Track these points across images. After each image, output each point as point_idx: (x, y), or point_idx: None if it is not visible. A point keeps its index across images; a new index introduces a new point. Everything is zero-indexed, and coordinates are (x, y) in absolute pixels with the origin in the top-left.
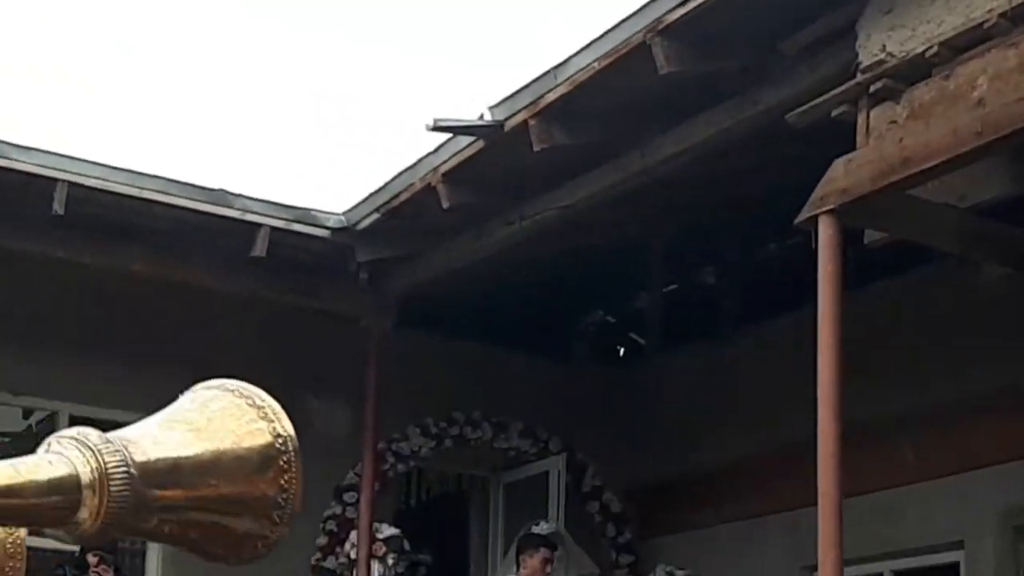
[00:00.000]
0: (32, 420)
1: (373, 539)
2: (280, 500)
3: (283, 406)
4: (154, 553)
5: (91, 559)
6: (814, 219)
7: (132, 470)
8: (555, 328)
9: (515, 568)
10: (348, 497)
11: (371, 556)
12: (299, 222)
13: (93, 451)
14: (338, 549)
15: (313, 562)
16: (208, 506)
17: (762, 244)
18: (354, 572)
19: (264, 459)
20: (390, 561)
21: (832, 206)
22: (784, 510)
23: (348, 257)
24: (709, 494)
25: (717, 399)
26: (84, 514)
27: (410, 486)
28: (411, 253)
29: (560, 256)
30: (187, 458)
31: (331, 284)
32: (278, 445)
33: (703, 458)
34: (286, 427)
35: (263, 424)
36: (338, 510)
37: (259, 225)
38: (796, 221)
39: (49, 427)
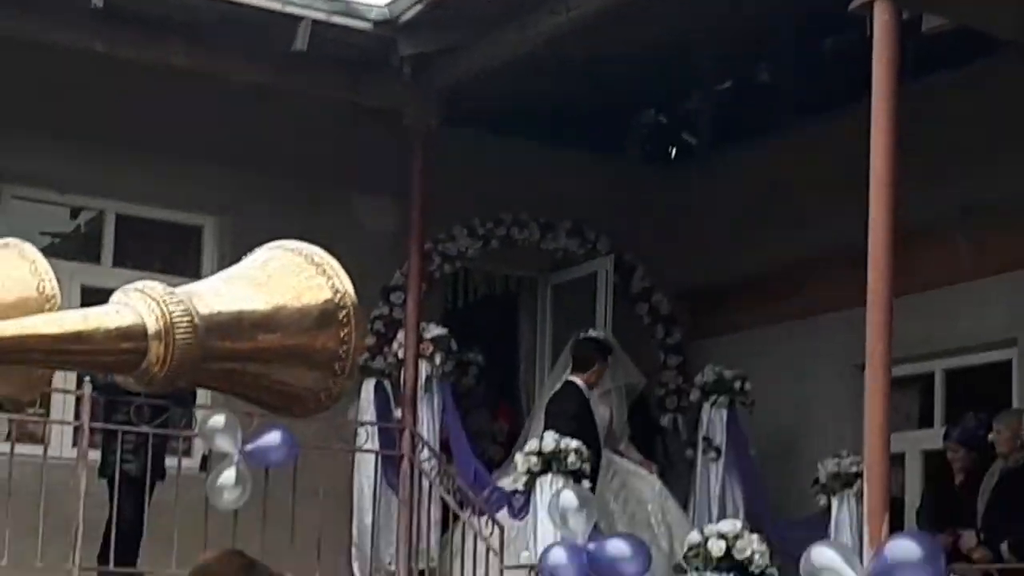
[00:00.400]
0: (80, 220)
1: (420, 339)
2: (341, 353)
3: (328, 204)
4: None
5: None
6: (869, 5)
7: (196, 320)
8: (606, 127)
9: (571, 370)
10: (395, 297)
11: (419, 355)
12: (341, 14)
13: (158, 302)
14: (386, 349)
15: (361, 362)
16: (270, 358)
17: (818, 38)
18: (401, 371)
19: (324, 314)
20: (437, 360)
21: None
22: (838, 309)
23: (391, 51)
24: (761, 294)
25: (771, 197)
26: (151, 361)
27: (457, 287)
28: (455, 46)
29: (612, 53)
30: (249, 312)
31: (374, 79)
32: (337, 300)
33: (755, 258)
34: (345, 283)
35: (322, 280)
36: (385, 310)
37: (300, 18)
38: (851, 7)
39: (97, 228)
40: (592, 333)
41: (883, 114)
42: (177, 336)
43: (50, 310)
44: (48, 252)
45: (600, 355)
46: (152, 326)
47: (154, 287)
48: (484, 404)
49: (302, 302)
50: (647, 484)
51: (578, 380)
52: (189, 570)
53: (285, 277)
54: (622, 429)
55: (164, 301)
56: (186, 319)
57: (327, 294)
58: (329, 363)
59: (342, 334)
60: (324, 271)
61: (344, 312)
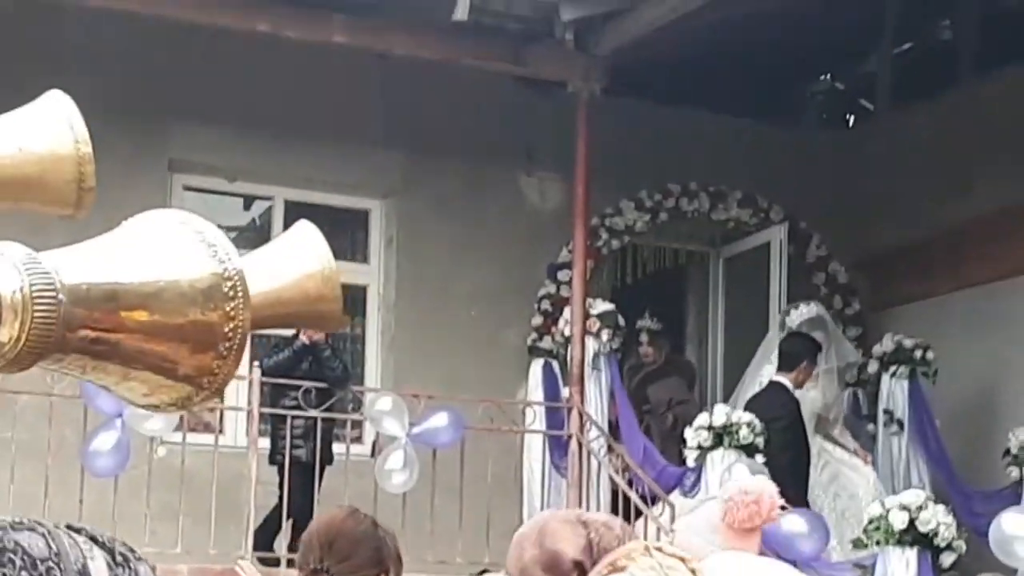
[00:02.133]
0: (253, 213)
1: (587, 316)
2: (227, 330)
3: (493, 182)
4: (373, 339)
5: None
6: None
7: (60, 294)
8: (778, 94)
9: (783, 367)
10: (562, 275)
11: (585, 333)
12: None
13: (18, 270)
14: (553, 328)
15: (529, 343)
16: (147, 336)
17: None
18: (568, 350)
19: (208, 287)
20: (604, 337)
21: None
22: None
23: (553, 16)
24: (943, 260)
25: (952, 157)
26: (3, 337)
27: (625, 263)
28: (619, 9)
29: (784, 17)
30: (124, 284)
31: (536, 47)
32: (222, 272)
33: (935, 222)
34: (232, 253)
35: (205, 250)
36: (552, 289)
37: None
38: None
39: (269, 218)
40: (804, 317)
41: None
42: (36, 310)
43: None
44: None
45: (810, 353)
46: (7, 296)
47: (14, 250)
48: (668, 375)
49: (183, 273)
50: (861, 477)
51: (785, 380)
52: (313, 525)
53: (165, 247)
54: (836, 414)
55: (25, 268)
56: (49, 292)
57: (212, 266)
58: (214, 342)
59: (228, 309)
60: (207, 240)
61: (230, 285)
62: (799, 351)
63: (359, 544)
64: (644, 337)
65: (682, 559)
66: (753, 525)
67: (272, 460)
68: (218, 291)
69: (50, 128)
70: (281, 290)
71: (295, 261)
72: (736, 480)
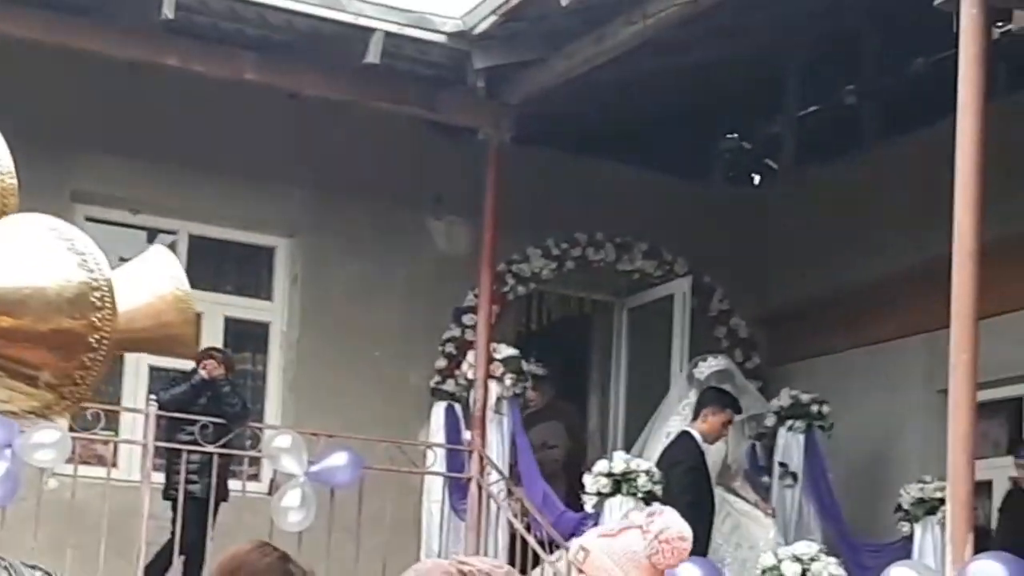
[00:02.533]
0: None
1: (491, 360)
2: (92, 340)
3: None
4: (275, 376)
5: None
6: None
7: None
8: (686, 149)
9: (691, 417)
10: (467, 319)
11: (488, 376)
12: (414, 26)
13: None
14: (456, 371)
15: (432, 385)
16: (11, 339)
17: (907, 59)
18: (471, 393)
19: (77, 297)
20: (508, 381)
21: None
22: (922, 331)
23: (465, 64)
24: (842, 318)
25: (852, 217)
26: None
27: (531, 309)
28: (531, 59)
29: (694, 75)
30: None
31: (448, 93)
32: (92, 282)
33: (835, 280)
34: (100, 261)
35: (73, 257)
36: (457, 332)
37: (372, 30)
38: (936, 2)
39: (173, 253)
40: (712, 369)
41: (969, 117)
42: None
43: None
44: None
45: (713, 402)
46: None
47: None
48: (548, 419)
49: (53, 282)
50: (762, 528)
51: (692, 430)
52: (217, 562)
53: (33, 253)
54: (738, 466)
55: None
56: None
57: (80, 275)
58: (78, 351)
59: (94, 319)
60: (76, 248)
61: (99, 296)
62: (705, 400)
63: None
64: (528, 381)
65: None
66: (673, 568)
67: (166, 495)
68: (85, 300)
69: None
70: (132, 312)
71: (148, 285)
72: (668, 517)
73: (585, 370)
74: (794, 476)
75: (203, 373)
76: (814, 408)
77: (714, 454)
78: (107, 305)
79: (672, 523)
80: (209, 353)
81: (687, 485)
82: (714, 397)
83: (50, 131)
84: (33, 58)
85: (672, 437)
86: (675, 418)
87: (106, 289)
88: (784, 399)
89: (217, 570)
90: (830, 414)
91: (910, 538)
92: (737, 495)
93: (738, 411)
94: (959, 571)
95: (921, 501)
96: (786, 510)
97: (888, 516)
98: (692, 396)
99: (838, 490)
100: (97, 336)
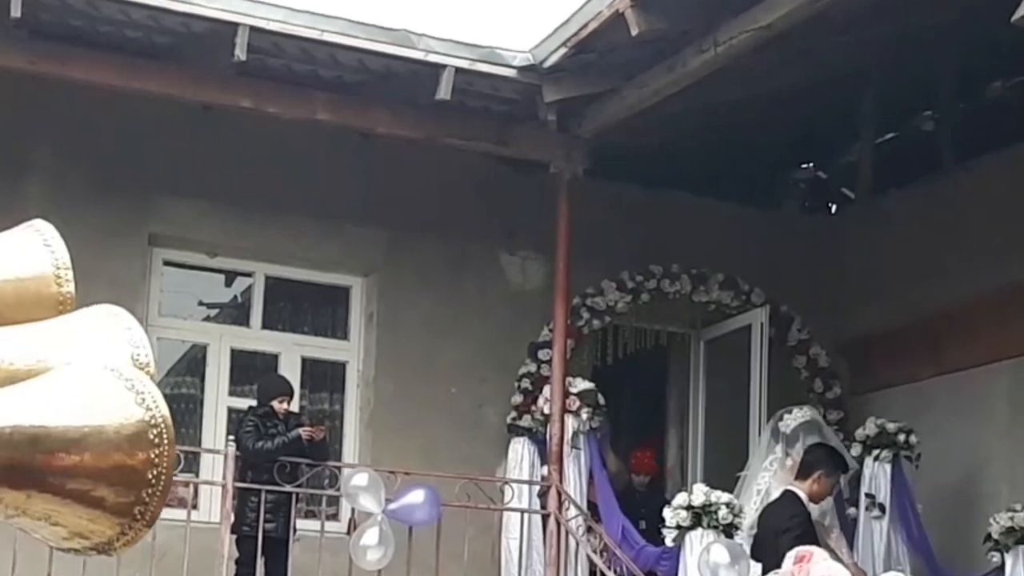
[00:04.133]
0: (235, 290)
1: (567, 394)
2: (150, 476)
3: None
4: (352, 415)
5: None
6: None
7: None
8: (761, 179)
9: (795, 475)
10: (543, 355)
11: (565, 411)
12: (484, 62)
13: None
14: (533, 407)
15: (509, 420)
16: (71, 477)
17: (985, 83)
18: (548, 428)
19: (136, 435)
20: (584, 415)
21: None
22: (1006, 358)
23: (536, 98)
24: (925, 344)
25: (932, 243)
26: None
27: (606, 343)
28: (602, 91)
29: (767, 103)
30: (52, 428)
31: (519, 127)
32: (150, 420)
33: (918, 307)
34: (159, 403)
35: (134, 397)
36: (532, 368)
37: (443, 66)
38: (1013, 19)
39: (250, 295)
40: (798, 422)
41: None
42: None
43: (63, 311)
44: (202, 319)
45: (825, 464)
46: None
47: None
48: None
49: (109, 419)
50: None
51: (798, 490)
52: None
53: (93, 392)
54: (831, 521)
55: None
56: None
57: (138, 412)
58: (138, 488)
59: (153, 455)
60: (135, 388)
61: (156, 432)
62: (814, 460)
63: None
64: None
65: None
66: None
67: (234, 531)
68: (143, 438)
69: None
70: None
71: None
72: (822, 567)
73: (663, 403)
74: (882, 507)
75: (302, 433)
76: (901, 437)
77: (814, 511)
78: (164, 442)
79: (828, 571)
80: (302, 420)
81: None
82: (827, 458)
83: (128, 176)
84: (109, 103)
85: (775, 495)
86: (764, 474)
87: (163, 426)
88: (870, 428)
89: None
90: (917, 444)
91: (1001, 568)
92: (832, 552)
93: (846, 471)
94: None
95: (1011, 530)
96: (874, 543)
97: (978, 547)
98: (778, 451)
99: (926, 521)
100: (155, 472)
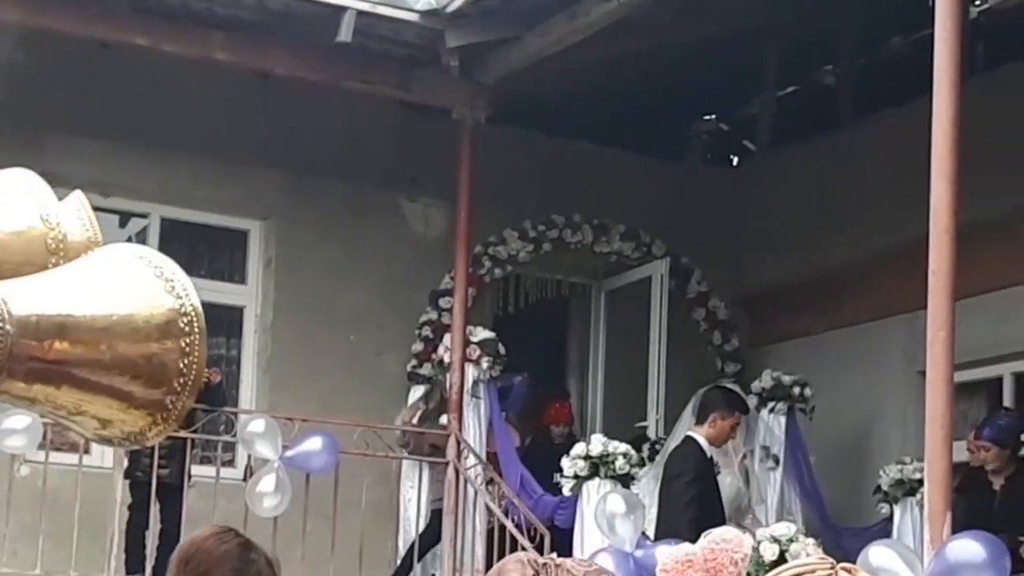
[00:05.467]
0: (130, 231)
1: (468, 343)
2: (182, 365)
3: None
4: (249, 360)
5: None
6: None
7: (7, 325)
8: (663, 130)
9: (696, 421)
10: (444, 303)
11: (465, 360)
12: (386, 4)
13: None
14: (433, 355)
15: (409, 368)
16: (99, 367)
17: (885, 37)
18: (448, 377)
19: (164, 322)
20: (484, 364)
21: None
22: (901, 312)
23: (438, 43)
24: (821, 299)
25: (830, 198)
26: None
27: (508, 292)
28: (505, 37)
29: (671, 57)
30: (79, 316)
31: (421, 72)
32: (178, 307)
33: (814, 261)
34: (188, 288)
35: (161, 284)
36: (434, 316)
37: (344, 8)
38: None
39: (145, 237)
40: (723, 383)
41: (946, 95)
42: None
43: (55, 244)
44: None
45: (722, 406)
46: None
47: None
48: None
49: (139, 307)
50: None
51: (696, 435)
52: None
53: (121, 281)
54: (748, 501)
55: None
56: None
57: (168, 301)
58: (168, 377)
59: (183, 344)
60: (164, 275)
61: (187, 320)
62: (709, 402)
63: (217, 564)
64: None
65: None
66: None
67: (128, 476)
68: (174, 326)
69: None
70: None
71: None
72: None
73: (563, 353)
74: (776, 459)
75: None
76: (796, 390)
77: (728, 488)
78: (195, 330)
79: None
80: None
81: (689, 500)
82: (722, 398)
83: (19, 112)
84: (3, 38)
85: (676, 444)
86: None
87: (194, 315)
88: (766, 380)
89: (175, 557)
90: (812, 397)
91: (890, 519)
92: (747, 531)
93: (746, 412)
94: (938, 550)
95: (900, 483)
96: (768, 495)
97: (868, 498)
98: None
99: (819, 473)
100: (186, 361)
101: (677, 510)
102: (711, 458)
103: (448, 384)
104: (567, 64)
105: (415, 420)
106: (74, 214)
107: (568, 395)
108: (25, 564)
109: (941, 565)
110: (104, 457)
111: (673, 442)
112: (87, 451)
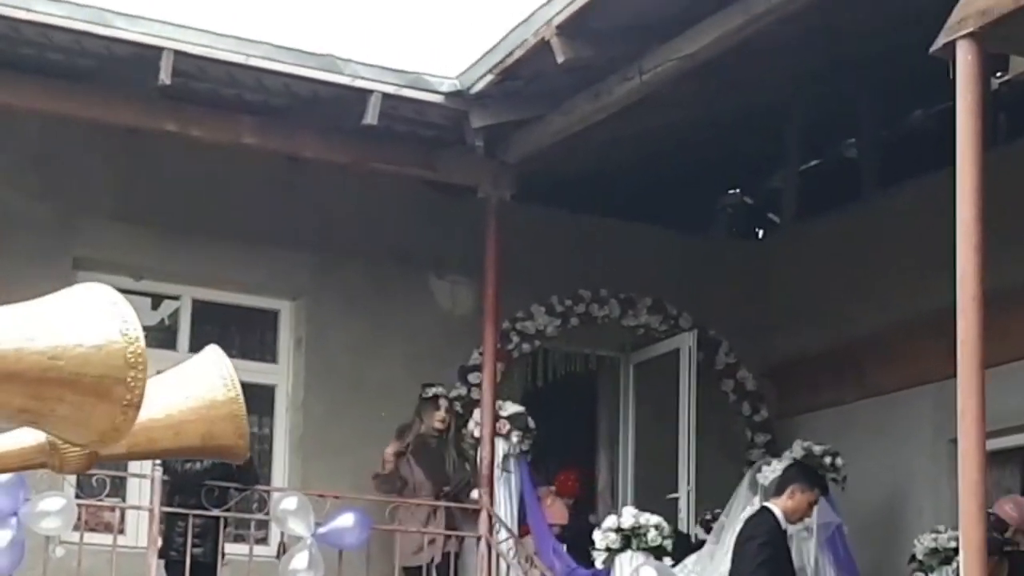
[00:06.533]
0: (162, 313)
1: (497, 418)
2: (126, 400)
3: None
4: (281, 438)
5: None
6: (951, 46)
7: None
8: (688, 204)
9: (773, 494)
10: (473, 378)
11: (495, 434)
12: (411, 87)
13: None
14: (463, 430)
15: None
16: (61, 378)
17: (906, 111)
18: (478, 451)
19: (113, 353)
20: (514, 439)
21: (971, 29)
22: (929, 382)
23: (463, 124)
24: (849, 368)
25: (855, 268)
26: None
27: (536, 367)
28: (528, 117)
29: (693, 130)
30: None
31: (446, 152)
32: (127, 344)
33: (843, 331)
34: (139, 335)
35: (120, 325)
36: (463, 391)
37: (370, 91)
38: (931, 50)
39: (176, 318)
40: (776, 473)
41: (968, 165)
42: None
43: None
44: None
45: (799, 480)
46: None
47: None
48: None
49: (93, 338)
50: None
51: (773, 506)
52: None
53: (85, 314)
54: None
55: None
56: None
57: (120, 339)
58: (115, 398)
59: (128, 377)
60: (122, 317)
61: (132, 351)
62: (788, 476)
63: None
64: (443, 403)
65: None
66: None
67: (163, 555)
68: (120, 356)
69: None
70: (181, 425)
71: (197, 392)
72: None
73: (593, 427)
74: (808, 529)
75: None
76: (827, 460)
77: (790, 530)
78: (139, 364)
79: None
80: None
81: (762, 562)
82: (802, 473)
83: (52, 199)
84: (31, 126)
85: (750, 512)
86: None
87: (139, 353)
88: (797, 451)
89: None
90: (843, 466)
91: None
92: None
93: (825, 491)
94: None
95: (935, 551)
96: (803, 563)
97: (902, 567)
98: (756, 502)
99: (851, 541)
100: (129, 397)
101: (747, 572)
102: (785, 530)
103: (479, 459)
104: (591, 141)
105: (389, 451)
106: (215, 372)
107: (578, 468)
108: None
109: None
110: (138, 537)
111: (730, 517)
112: (122, 531)
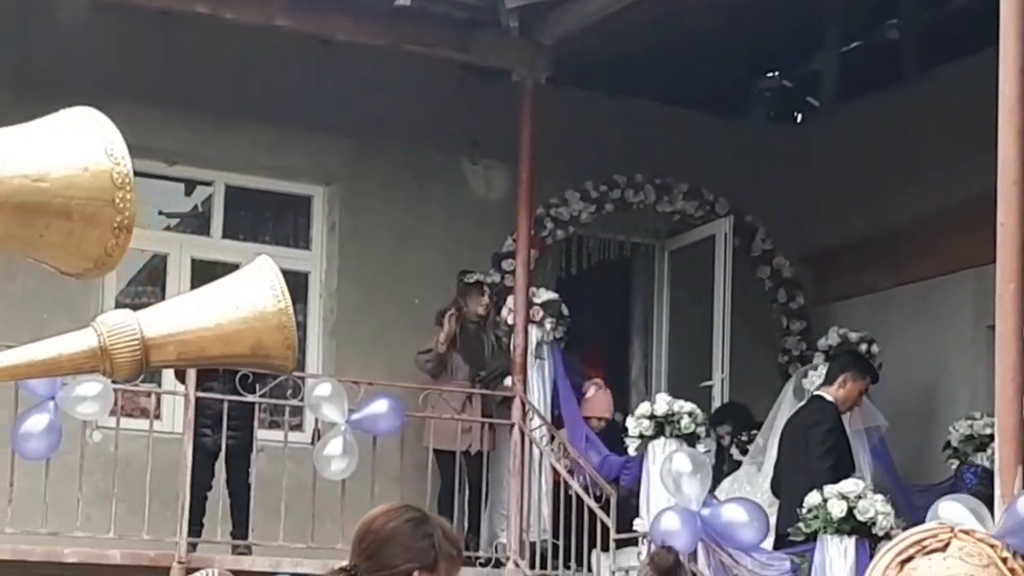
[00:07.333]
0: (196, 199)
1: (531, 304)
2: (115, 223)
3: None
4: (315, 325)
5: None
6: None
7: None
8: (726, 88)
9: (825, 382)
10: (507, 265)
11: (528, 321)
12: None
13: None
14: (496, 317)
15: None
16: (46, 202)
17: None
18: (512, 338)
19: (99, 172)
20: (548, 325)
21: None
22: (967, 267)
23: (498, 4)
24: (886, 255)
25: (896, 153)
26: None
27: (570, 253)
28: None
29: (732, 13)
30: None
31: (480, 34)
32: (113, 166)
33: (880, 217)
34: (126, 157)
35: (104, 146)
36: (496, 278)
37: None
38: None
39: (210, 204)
40: (837, 339)
41: (1011, 45)
42: None
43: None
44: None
45: (851, 368)
46: None
47: None
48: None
49: (77, 159)
50: None
51: (826, 394)
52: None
53: (67, 134)
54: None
55: None
56: None
57: (105, 159)
58: (105, 222)
59: (116, 198)
60: (108, 139)
61: (119, 171)
62: (840, 365)
63: (387, 542)
64: (486, 289)
65: (992, 545)
66: None
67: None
68: (106, 177)
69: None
70: (230, 335)
71: (247, 303)
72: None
73: (627, 314)
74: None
75: None
76: (863, 347)
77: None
78: (127, 185)
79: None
80: None
81: (829, 449)
82: (854, 362)
83: (83, 81)
84: (69, 8)
85: (802, 403)
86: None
87: (126, 174)
88: (833, 338)
89: (353, 537)
90: (879, 353)
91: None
92: None
93: (876, 379)
94: (1008, 505)
95: (970, 438)
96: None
97: (937, 454)
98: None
99: (886, 429)
100: (119, 219)
101: (815, 458)
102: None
103: (512, 346)
104: (627, 22)
105: (443, 336)
106: (265, 283)
107: (600, 357)
108: (99, 528)
109: (1012, 519)
110: (175, 422)
111: (775, 428)
112: (158, 416)
